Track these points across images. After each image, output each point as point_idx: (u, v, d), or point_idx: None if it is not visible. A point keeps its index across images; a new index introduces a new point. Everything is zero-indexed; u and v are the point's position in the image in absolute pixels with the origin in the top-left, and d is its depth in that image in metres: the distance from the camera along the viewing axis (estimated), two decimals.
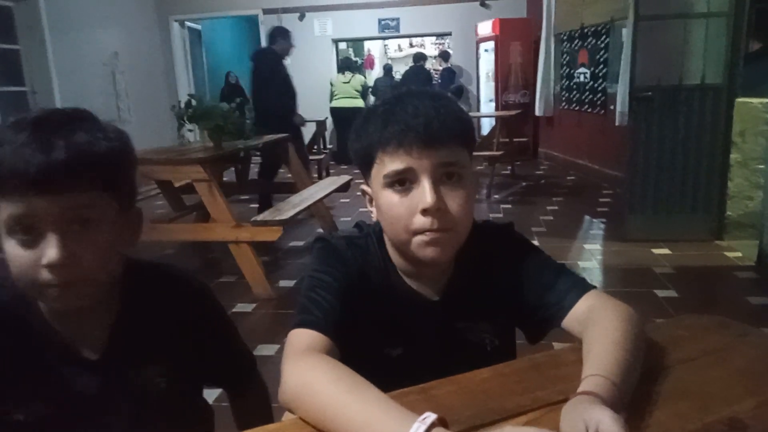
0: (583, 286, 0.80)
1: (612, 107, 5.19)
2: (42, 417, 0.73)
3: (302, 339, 0.72)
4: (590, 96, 6.10)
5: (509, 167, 6.63)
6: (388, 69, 8.82)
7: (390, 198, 0.75)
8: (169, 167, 3.11)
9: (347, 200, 5.31)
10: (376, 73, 10.16)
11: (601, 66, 5.80)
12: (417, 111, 0.74)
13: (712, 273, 3.19)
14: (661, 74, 3.66)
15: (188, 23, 9.05)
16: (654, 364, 0.69)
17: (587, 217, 4.53)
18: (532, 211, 4.75)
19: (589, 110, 6.13)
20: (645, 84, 3.61)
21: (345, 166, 7.91)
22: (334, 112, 8.14)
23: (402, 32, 8.67)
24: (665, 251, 3.49)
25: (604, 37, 5.73)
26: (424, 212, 0.72)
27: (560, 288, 0.80)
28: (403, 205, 0.74)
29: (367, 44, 10.61)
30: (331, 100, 8.15)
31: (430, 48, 10.53)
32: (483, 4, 8.08)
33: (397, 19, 8.39)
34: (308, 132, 7.48)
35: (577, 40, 6.41)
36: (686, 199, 3.68)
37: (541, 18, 6.70)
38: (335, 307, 0.76)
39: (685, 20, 3.75)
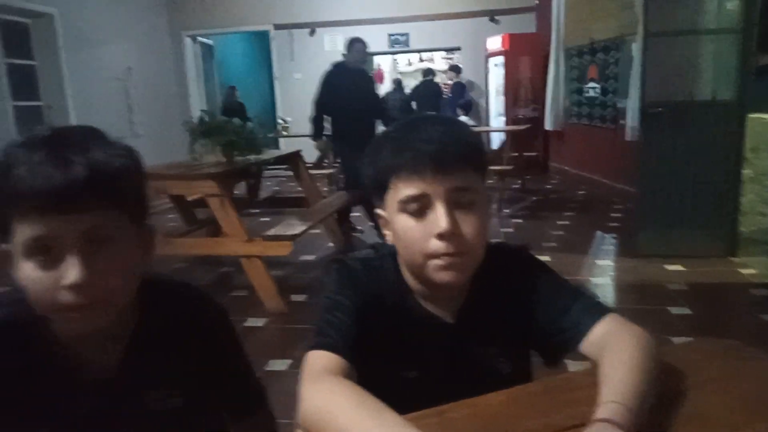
0: (600, 310, 0.80)
1: (622, 122, 5.19)
2: None
3: (320, 361, 0.72)
4: (600, 111, 6.10)
5: (519, 182, 6.64)
6: (397, 83, 8.87)
7: (405, 222, 0.76)
8: (182, 182, 3.15)
9: (357, 214, 5.32)
10: (385, 87, 10.22)
11: (611, 81, 5.81)
12: (430, 137, 0.75)
13: (726, 290, 3.16)
14: (672, 90, 3.66)
15: (200, 38, 9.18)
16: (668, 389, 0.69)
17: (598, 233, 4.52)
18: (542, 226, 4.74)
19: (600, 125, 6.13)
20: (656, 99, 3.61)
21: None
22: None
23: (412, 47, 8.74)
24: (678, 267, 3.46)
25: (613, 52, 5.75)
26: (440, 237, 0.73)
27: (577, 312, 0.80)
28: (417, 229, 0.75)
29: (376, 59, 10.69)
30: None
31: (439, 62, 10.59)
32: (492, 20, 8.13)
33: (407, 35, 8.46)
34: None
35: (586, 55, 6.43)
36: (698, 214, 3.66)
37: (550, 33, 6.73)
38: (352, 328, 0.77)
39: (695, 36, 3.76)
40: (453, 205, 0.74)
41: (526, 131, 6.56)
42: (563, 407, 0.66)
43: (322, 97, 4.60)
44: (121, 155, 0.68)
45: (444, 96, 8.37)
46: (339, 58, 9.30)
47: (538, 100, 7.41)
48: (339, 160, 5.56)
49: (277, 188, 7.21)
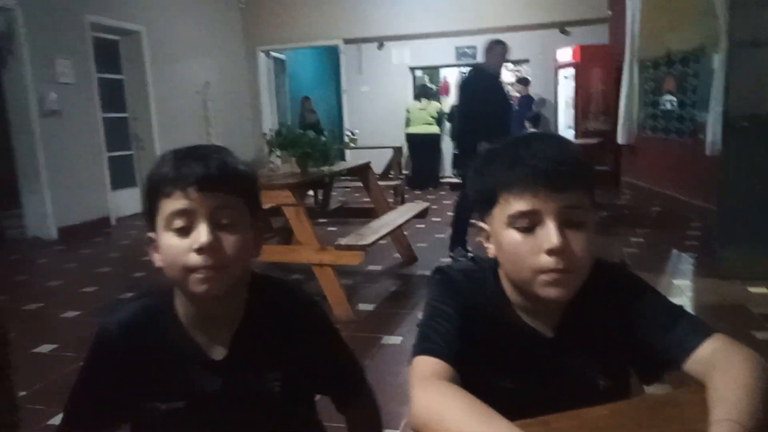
0: (705, 329, 0.79)
1: (701, 136, 4.97)
2: (178, 408, 0.84)
3: (428, 366, 0.76)
4: (677, 124, 5.87)
5: None
6: None
7: (513, 237, 0.78)
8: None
9: (422, 226, 5.35)
10: (452, 99, 10.22)
11: (690, 93, 5.59)
12: (545, 154, 0.77)
13: None
14: (758, 102, 3.49)
15: (273, 53, 9.53)
16: None
17: (675, 251, 4.34)
18: (615, 243, 4.60)
19: (676, 138, 5.90)
20: (740, 113, 3.45)
21: (419, 192, 8.00)
22: (410, 138, 8.27)
23: (479, 59, 8.70)
24: (763, 290, 3.28)
25: (692, 63, 5.53)
26: (549, 252, 0.75)
27: (681, 330, 0.80)
28: (526, 244, 0.77)
29: (442, 71, 10.72)
30: (407, 127, 8.30)
31: (506, 75, 10.49)
32: (563, 31, 8.01)
33: (475, 47, 8.45)
34: (385, 158, 7.66)
35: (662, 67, 6.21)
36: None
37: (624, 44, 6.55)
38: (455, 336, 0.80)
39: None
40: (563, 223, 0.76)
41: (597, 145, 6.40)
42: (668, 423, 0.66)
43: (463, 106, 4.24)
44: (244, 164, 0.84)
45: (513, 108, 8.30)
46: (406, 71, 9.44)
47: (610, 112, 7.21)
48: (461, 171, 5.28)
49: (342, 198, 7.35)
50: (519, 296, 0.84)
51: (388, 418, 1.94)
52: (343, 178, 5.60)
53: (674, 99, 5.96)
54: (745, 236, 3.52)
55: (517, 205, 0.76)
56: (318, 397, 1.02)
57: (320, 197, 4.92)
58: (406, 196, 7.16)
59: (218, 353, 0.86)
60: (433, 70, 10.40)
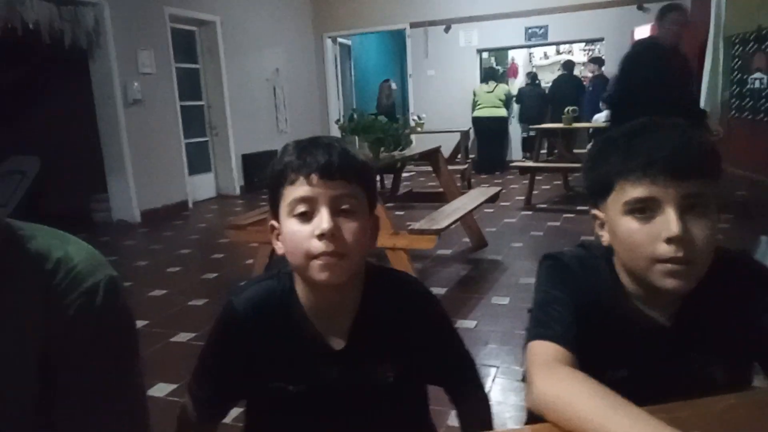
0: None
1: None
2: (301, 392, 0.87)
3: (546, 351, 0.76)
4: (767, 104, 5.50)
5: None
6: (532, 77, 8.66)
7: (630, 225, 0.76)
8: None
9: (491, 210, 5.30)
10: (519, 81, 9.99)
11: None
12: (664, 140, 0.75)
13: None
14: None
15: (340, 39, 9.60)
16: None
17: (764, 238, 4.08)
18: None
19: (766, 119, 5.53)
20: None
21: (485, 176, 7.90)
22: (477, 121, 8.15)
23: (550, 40, 8.45)
24: None
25: None
26: (669, 241, 0.73)
27: None
28: (643, 232, 0.75)
29: (510, 52, 10.47)
30: (473, 110, 8.18)
31: (578, 54, 10.14)
32: (641, 8, 7.62)
33: (546, 27, 8.20)
34: (451, 142, 7.59)
35: (752, 43, 5.81)
36: None
37: (708, 21, 6.17)
38: (572, 322, 0.80)
39: None
40: (684, 211, 0.74)
41: None
42: None
43: (626, 88, 3.64)
44: (361, 155, 0.86)
45: (586, 90, 8.02)
46: (473, 53, 9.27)
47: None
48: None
49: (407, 183, 7.36)
50: (635, 285, 0.82)
51: None
52: (411, 163, 5.61)
53: (765, 77, 5.57)
54: None
55: (634, 191, 0.75)
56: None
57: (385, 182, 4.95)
58: (472, 180, 7.10)
59: (337, 343, 0.88)
60: (500, 52, 10.18)
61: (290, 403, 0.88)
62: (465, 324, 2.79)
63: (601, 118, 6.60)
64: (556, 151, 7.02)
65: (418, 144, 5.26)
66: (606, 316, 0.83)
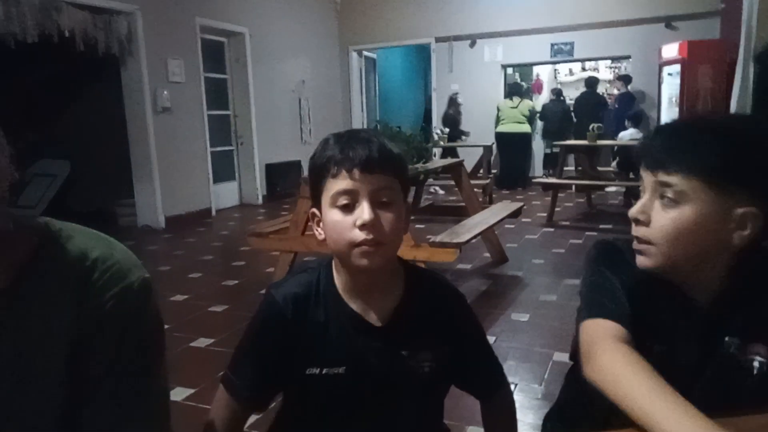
0: None
1: None
2: (338, 374, 0.91)
3: (605, 328, 0.81)
4: None
5: None
6: (557, 93, 8.61)
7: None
8: None
9: (512, 226, 5.26)
10: (543, 97, 9.96)
11: None
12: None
13: None
14: None
15: (365, 52, 9.69)
16: None
17: None
18: None
19: None
20: None
21: (506, 191, 7.86)
22: (500, 136, 8.14)
23: (576, 56, 8.43)
24: None
25: None
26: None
27: None
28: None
29: (535, 68, 10.45)
30: (497, 125, 8.16)
31: (604, 72, 10.07)
32: (669, 26, 7.57)
33: (572, 43, 8.18)
34: (474, 156, 7.59)
35: None
36: None
37: (738, 39, 6.09)
38: (625, 301, 0.84)
39: None
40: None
41: None
42: None
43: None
44: (396, 147, 0.90)
45: (610, 107, 7.96)
46: (497, 68, 9.27)
47: (718, 111, 6.74)
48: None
49: (428, 196, 7.36)
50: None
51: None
52: (433, 176, 5.61)
53: None
54: None
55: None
56: None
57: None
58: (494, 195, 7.07)
59: (376, 321, 0.92)
60: (525, 68, 10.17)
61: (326, 388, 0.91)
62: None
63: (626, 135, 6.54)
64: (579, 168, 6.97)
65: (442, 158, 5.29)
66: (649, 294, 0.88)
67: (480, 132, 8.39)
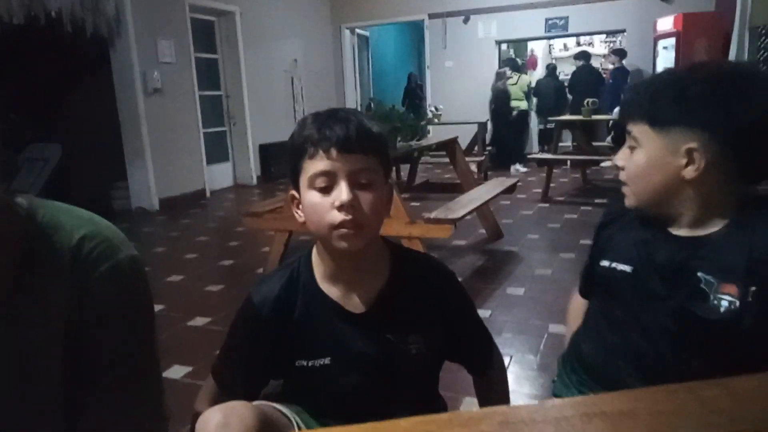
0: None
1: None
2: (324, 365, 0.90)
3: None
4: None
5: None
6: (551, 69, 8.53)
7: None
8: None
9: (507, 202, 5.26)
10: (538, 73, 9.88)
11: None
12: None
13: None
14: None
15: (358, 30, 9.58)
16: None
17: None
18: None
19: None
20: None
21: (503, 168, 7.84)
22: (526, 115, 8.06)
23: (571, 31, 8.35)
24: None
25: None
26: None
27: None
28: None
29: (529, 44, 10.35)
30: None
31: (599, 46, 9.99)
32: None
33: (566, 18, 8.10)
34: (469, 133, 7.55)
35: None
36: None
37: (733, 11, 6.04)
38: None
39: None
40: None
41: None
42: None
43: None
44: (376, 126, 0.87)
45: (606, 82, 7.90)
46: (492, 45, 9.17)
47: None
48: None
49: (424, 174, 7.34)
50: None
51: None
52: (427, 153, 5.59)
53: None
54: None
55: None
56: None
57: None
58: (489, 172, 7.05)
59: (357, 308, 0.91)
60: (520, 44, 10.08)
61: (315, 378, 0.91)
62: (480, 313, 2.78)
63: None
64: (575, 143, 6.95)
65: (436, 135, 5.24)
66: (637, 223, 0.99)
67: (476, 109, 8.34)
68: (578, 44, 10.12)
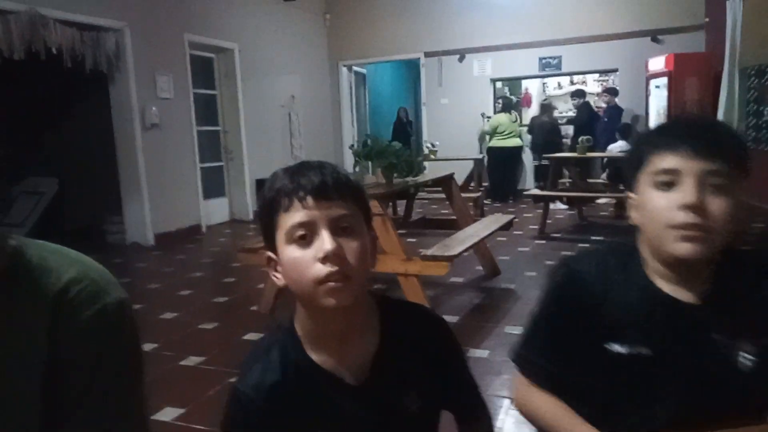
0: None
1: None
2: None
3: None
4: None
5: None
6: (545, 106, 8.64)
7: (653, 195, 0.85)
8: None
9: (504, 239, 5.25)
10: (533, 111, 10.02)
11: None
12: (693, 124, 0.87)
13: None
14: None
15: (355, 67, 9.73)
16: None
17: None
18: None
19: None
20: None
21: (498, 204, 7.87)
22: (501, 151, 8.16)
23: (564, 70, 8.50)
24: None
25: None
26: (684, 207, 0.81)
27: None
28: (664, 200, 0.83)
29: (524, 82, 10.53)
30: (492, 139, 8.17)
31: (592, 85, 10.16)
32: (654, 39, 7.66)
33: (559, 57, 8.26)
34: (465, 170, 7.59)
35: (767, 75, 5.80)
36: None
37: (723, 52, 6.17)
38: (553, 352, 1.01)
39: None
40: (703, 185, 0.81)
41: None
42: None
43: None
44: (349, 175, 0.84)
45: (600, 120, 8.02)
46: (486, 83, 9.35)
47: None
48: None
49: (420, 210, 7.34)
50: (658, 263, 0.88)
51: None
52: (424, 189, 5.60)
53: None
54: None
55: (661, 163, 0.83)
56: None
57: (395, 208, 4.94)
58: (485, 208, 7.07)
59: (354, 378, 0.85)
60: (514, 82, 10.24)
61: None
62: (477, 353, 2.74)
63: (615, 147, 6.58)
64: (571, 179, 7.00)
65: (432, 171, 5.25)
66: (630, 296, 0.90)
67: (470, 145, 8.41)
68: (572, 83, 10.29)
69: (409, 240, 5.12)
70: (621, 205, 6.59)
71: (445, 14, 8.65)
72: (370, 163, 3.60)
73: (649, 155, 0.85)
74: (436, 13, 8.68)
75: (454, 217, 4.51)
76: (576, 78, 10.16)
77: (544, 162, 7.47)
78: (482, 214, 6.32)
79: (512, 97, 9.47)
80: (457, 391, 0.95)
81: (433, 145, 7.57)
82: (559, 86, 10.64)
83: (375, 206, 3.14)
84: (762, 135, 5.93)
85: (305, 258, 0.77)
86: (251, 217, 7.35)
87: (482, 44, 8.53)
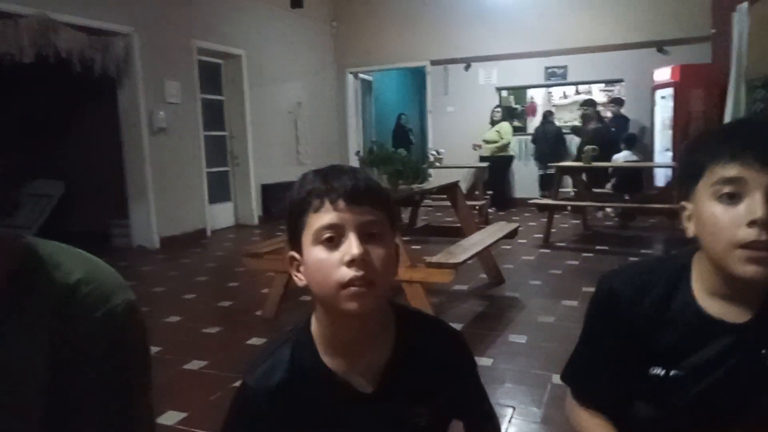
0: None
1: None
2: None
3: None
4: None
5: None
6: (545, 116, 8.63)
7: (715, 209, 0.77)
8: None
9: (509, 247, 5.25)
10: (538, 120, 10.03)
11: None
12: (758, 130, 0.78)
13: None
14: None
15: (361, 75, 9.77)
16: None
17: None
18: None
19: None
20: None
21: (502, 213, 7.87)
22: (509, 160, 8.35)
23: (570, 80, 8.52)
24: None
25: None
26: (752, 224, 0.73)
27: None
28: (727, 215, 0.75)
29: (529, 92, 10.53)
30: (501, 149, 8.23)
31: (597, 94, 10.16)
32: (660, 50, 7.67)
33: (565, 67, 8.28)
34: (466, 177, 7.60)
35: None
36: None
37: (728, 64, 6.17)
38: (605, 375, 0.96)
39: None
40: None
41: None
42: None
43: None
44: (380, 182, 0.86)
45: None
46: (492, 91, 9.39)
47: None
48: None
49: (425, 217, 7.35)
50: (716, 277, 0.82)
51: None
52: (429, 197, 5.61)
53: None
54: None
55: (723, 172, 0.75)
56: None
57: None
58: (490, 217, 7.07)
59: (363, 386, 0.85)
60: (519, 91, 10.25)
61: None
62: (482, 362, 2.74)
63: (621, 157, 6.57)
64: (576, 189, 6.99)
65: (437, 179, 5.26)
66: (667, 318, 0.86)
67: (475, 153, 8.43)
68: (577, 92, 10.29)
69: (414, 247, 5.13)
70: (626, 215, 6.58)
71: (451, 23, 8.69)
72: (375, 169, 3.61)
73: (709, 164, 0.78)
74: (443, 22, 8.72)
75: (459, 225, 4.52)
76: (581, 87, 10.16)
77: (549, 171, 7.47)
78: (487, 222, 6.32)
79: (517, 106, 9.48)
80: (469, 403, 0.95)
81: (438, 153, 7.57)
82: (565, 96, 10.64)
83: None
84: None
85: (331, 260, 0.76)
86: (256, 222, 7.38)
87: (488, 53, 8.57)
